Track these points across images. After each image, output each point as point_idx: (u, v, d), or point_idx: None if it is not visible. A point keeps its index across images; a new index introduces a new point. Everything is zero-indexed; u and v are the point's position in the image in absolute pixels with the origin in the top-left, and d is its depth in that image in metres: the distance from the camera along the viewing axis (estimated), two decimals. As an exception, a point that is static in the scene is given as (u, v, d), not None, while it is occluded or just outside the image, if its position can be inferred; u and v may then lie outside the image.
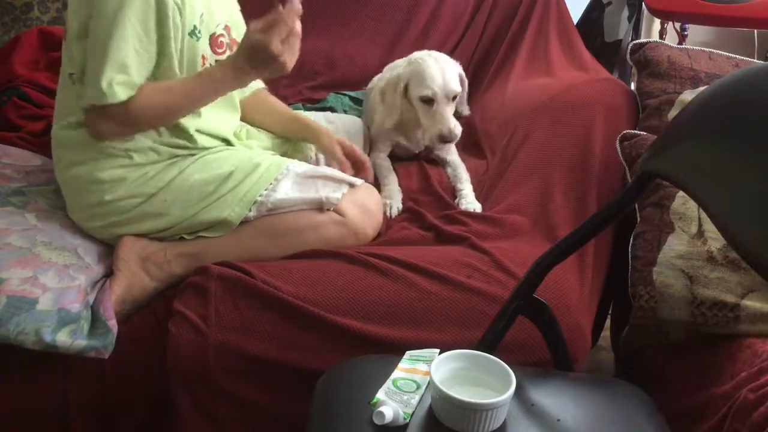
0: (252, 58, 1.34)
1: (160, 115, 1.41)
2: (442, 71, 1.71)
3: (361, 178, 1.62)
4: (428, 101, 1.70)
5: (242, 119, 1.67)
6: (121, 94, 1.32)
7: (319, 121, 1.80)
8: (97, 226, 1.46)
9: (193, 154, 1.48)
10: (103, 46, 1.32)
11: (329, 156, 1.66)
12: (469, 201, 1.68)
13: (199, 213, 1.43)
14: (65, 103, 1.45)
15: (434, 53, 1.79)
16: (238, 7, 1.62)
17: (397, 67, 1.87)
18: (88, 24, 1.35)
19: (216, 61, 1.47)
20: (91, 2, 1.33)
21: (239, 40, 1.41)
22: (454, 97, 1.71)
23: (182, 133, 1.46)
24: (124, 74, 1.32)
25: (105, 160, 1.41)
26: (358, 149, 1.67)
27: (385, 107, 1.81)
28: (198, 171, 1.45)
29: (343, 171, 1.62)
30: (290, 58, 1.34)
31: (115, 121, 1.37)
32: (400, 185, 1.76)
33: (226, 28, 1.51)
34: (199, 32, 1.43)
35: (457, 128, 1.69)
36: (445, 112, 1.68)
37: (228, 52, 1.50)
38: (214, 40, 1.48)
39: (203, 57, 1.45)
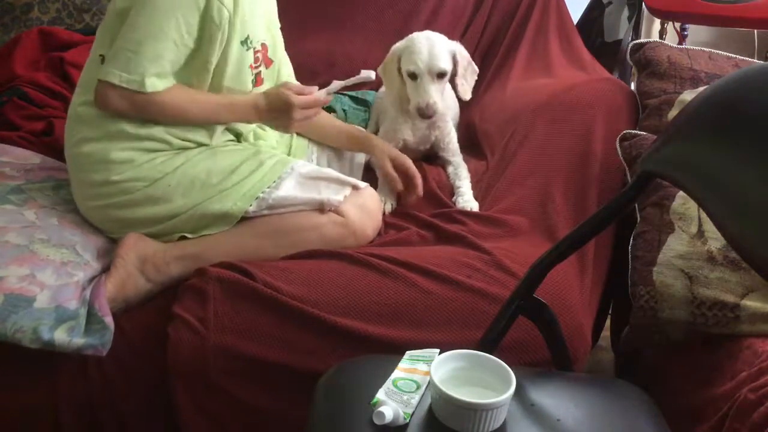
0: (274, 106, 1.47)
1: (176, 116, 1.45)
2: (430, 48, 1.72)
3: (413, 195, 1.65)
4: (413, 76, 1.72)
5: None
6: (159, 85, 1.35)
7: None
8: (98, 205, 1.46)
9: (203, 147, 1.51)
10: (142, 32, 1.34)
11: (379, 169, 1.69)
12: (466, 199, 1.69)
13: (201, 204, 1.44)
14: (91, 82, 1.46)
15: (429, 32, 1.79)
16: (278, 25, 1.66)
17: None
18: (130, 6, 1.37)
19: (256, 74, 1.52)
20: None
21: (275, 60, 1.47)
22: (441, 75, 1.72)
23: (199, 128, 1.49)
24: (159, 66, 1.35)
25: (117, 141, 1.43)
26: (411, 164, 1.68)
27: (386, 80, 1.83)
28: (204, 161, 1.47)
29: (393, 186, 1.66)
30: (296, 125, 1.51)
31: (133, 105, 1.39)
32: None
33: (263, 46, 1.55)
34: (251, 43, 1.48)
35: (437, 105, 1.70)
36: (428, 87, 1.70)
37: (262, 68, 1.54)
38: (254, 54, 1.52)
39: (251, 66, 1.50)
